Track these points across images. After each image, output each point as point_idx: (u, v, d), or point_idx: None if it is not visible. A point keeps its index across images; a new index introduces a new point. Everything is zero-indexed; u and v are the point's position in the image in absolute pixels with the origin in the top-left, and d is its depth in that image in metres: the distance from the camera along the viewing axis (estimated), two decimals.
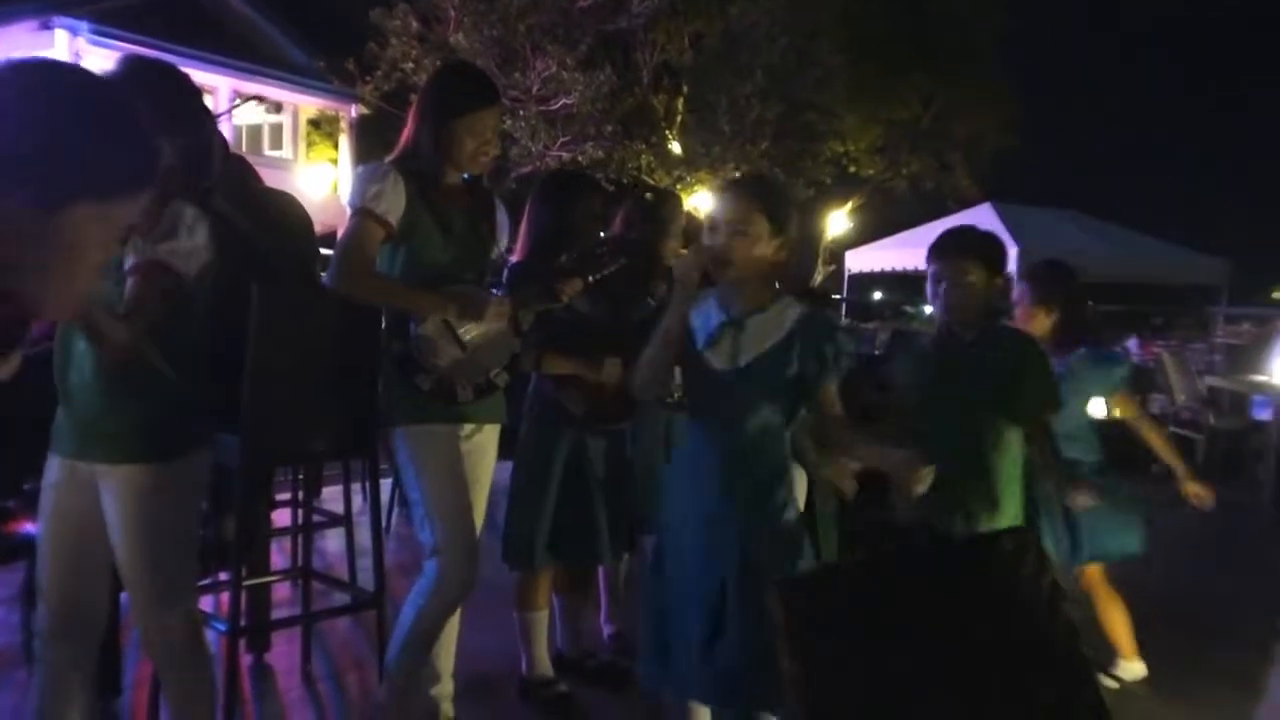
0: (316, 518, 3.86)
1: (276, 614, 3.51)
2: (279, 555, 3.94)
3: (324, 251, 3.32)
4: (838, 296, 12.39)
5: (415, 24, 14.70)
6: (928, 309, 6.64)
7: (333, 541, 4.61)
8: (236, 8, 19.52)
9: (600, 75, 15.03)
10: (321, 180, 16.23)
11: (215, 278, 2.17)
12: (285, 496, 3.94)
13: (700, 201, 13.84)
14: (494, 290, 2.62)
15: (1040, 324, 3.27)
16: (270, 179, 3.30)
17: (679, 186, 15.98)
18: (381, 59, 14.96)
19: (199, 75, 17.96)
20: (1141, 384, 8.78)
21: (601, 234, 3.33)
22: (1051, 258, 3.71)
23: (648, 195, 3.62)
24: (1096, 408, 3.44)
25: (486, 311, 2.50)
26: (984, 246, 2.71)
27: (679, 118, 17.54)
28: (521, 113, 14.79)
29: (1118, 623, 3.44)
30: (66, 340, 2.12)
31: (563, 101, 14.93)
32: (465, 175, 2.66)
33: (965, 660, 1.53)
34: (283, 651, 3.46)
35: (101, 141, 0.98)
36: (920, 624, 1.55)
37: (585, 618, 3.53)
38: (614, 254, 2.84)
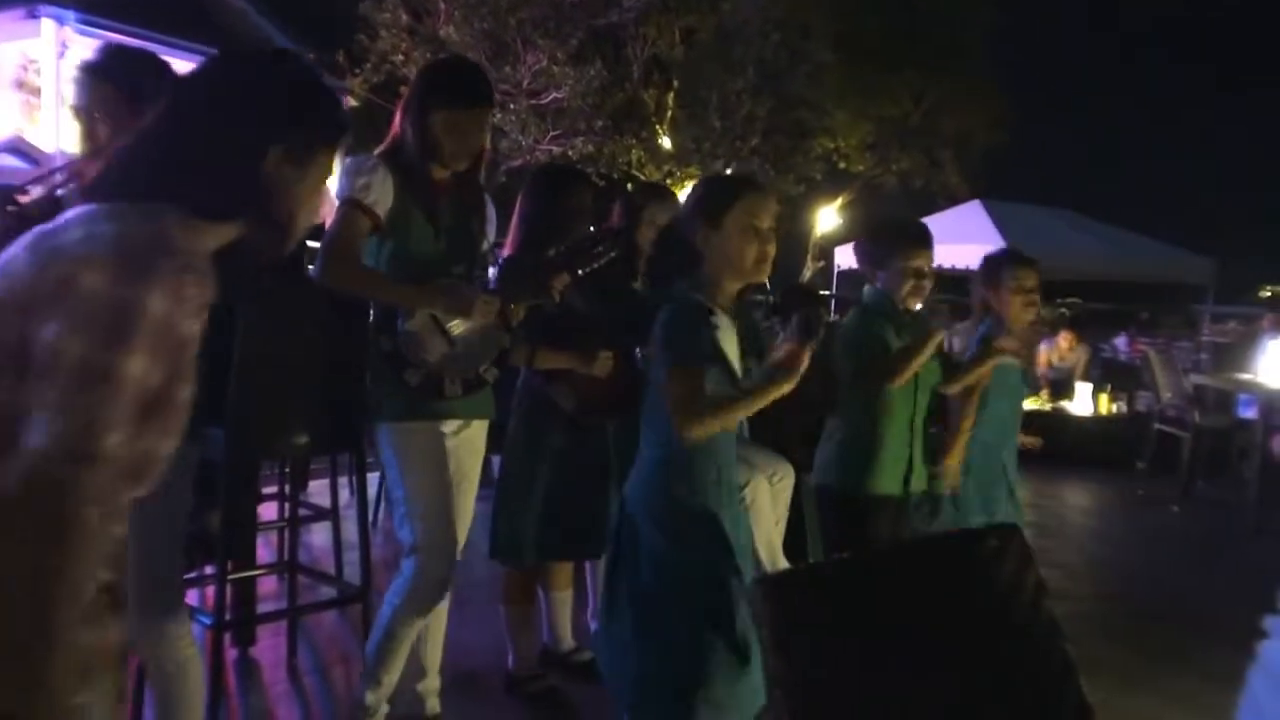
0: (303, 512, 3.86)
1: (262, 608, 3.51)
2: (265, 549, 3.93)
3: (311, 244, 3.30)
4: (826, 292, 12.40)
5: (405, 17, 14.63)
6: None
7: (319, 535, 4.60)
8: None
9: (591, 69, 14.99)
10: None
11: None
12: (272, 490, 3.93)
13: None
14: (484, 285, 2.61)
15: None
16: None
17: (669, 181, 15.95)
18: (371, 52, 14.88)
19: (187, 66, 17.82)
20: (1127, 381, 8.85)
21: (591, 228, 3.32)
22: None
23: (629, 186, 3.63)
24: None
25: (474, 306, 2.50)
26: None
27: (669, 113, 17.51)
28: (512, 106, 14.73)
29: None
30: None
31: (553, 95, 14.89)
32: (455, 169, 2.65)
33: (948, 658, 1.54)
34: (268, 645, 3.46)
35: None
36: (903, 622, 1.55)
37: (573, 612, 3.54)
38: (603, 247, 2.84)
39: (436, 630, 2.81)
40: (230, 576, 2.83)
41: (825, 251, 16.54)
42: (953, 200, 15.34)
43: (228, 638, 3.19)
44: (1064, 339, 8.88)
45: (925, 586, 1.60)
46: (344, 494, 4.28)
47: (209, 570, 3.10)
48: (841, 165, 18.96)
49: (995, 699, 1.55)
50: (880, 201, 18.78)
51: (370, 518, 4.84)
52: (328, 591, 3.63)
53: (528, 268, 2.81)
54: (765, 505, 3.64)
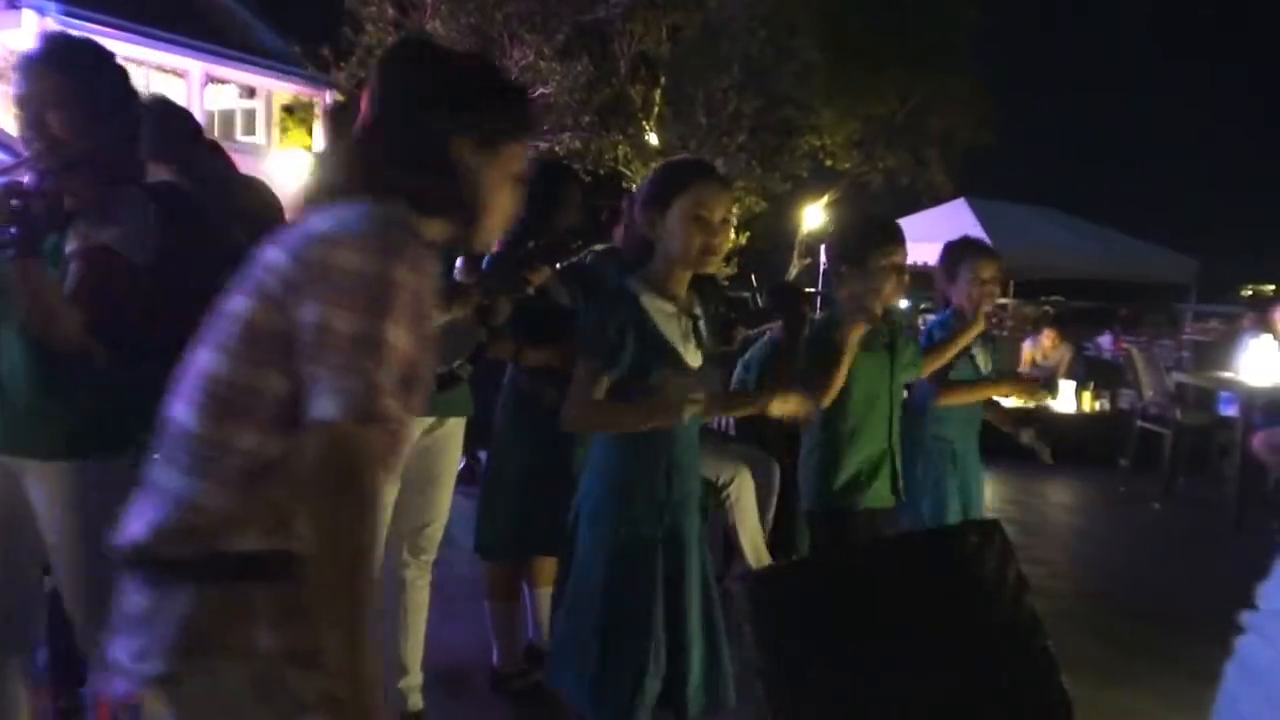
0: None
1: None
2: None
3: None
4: (812, 290, 12.43)
5: (391, 11, 14.57)
6: (903, 303, 6.67)
7: None
8: None
9: (577, 65, 14.97)
10: (295, 167, 16.07)
11: (177, 264, 2.03)
12: None
13: None
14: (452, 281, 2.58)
15: None
16: (243, 165, 3.27)
17: None
18: (357, 45, 14.82)
19: (171, 59, 17.77)
20: (1110, 379, 8.90)
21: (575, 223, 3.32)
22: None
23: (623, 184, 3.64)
24: None
25: (451, 300, 2.47)
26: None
27: (656, 109, 17.51)
28: None
29: None
30: None
31: (540, 91, 14.85)
32: None
33: (930, 652, 1.55)
34: None
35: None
36: (885, 617, 1.56)
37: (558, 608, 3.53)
38: (582, 241, 2.82)
39: (416, 627, 2.80)
40: None
41: (811, 249, 16.56)
42: (938, 199, 15.38)
43: None
44: (1047, 337, 8.91)
45: (907, 582, 1.61)
46: None
47: None
48: (828, 163, 19.00)
49: (977, 694, 1.56)
50: (866, 199, 18.83)
51: None
52: None
53: (510, 262, 2.80)
54: (750, 504, 3.65)
